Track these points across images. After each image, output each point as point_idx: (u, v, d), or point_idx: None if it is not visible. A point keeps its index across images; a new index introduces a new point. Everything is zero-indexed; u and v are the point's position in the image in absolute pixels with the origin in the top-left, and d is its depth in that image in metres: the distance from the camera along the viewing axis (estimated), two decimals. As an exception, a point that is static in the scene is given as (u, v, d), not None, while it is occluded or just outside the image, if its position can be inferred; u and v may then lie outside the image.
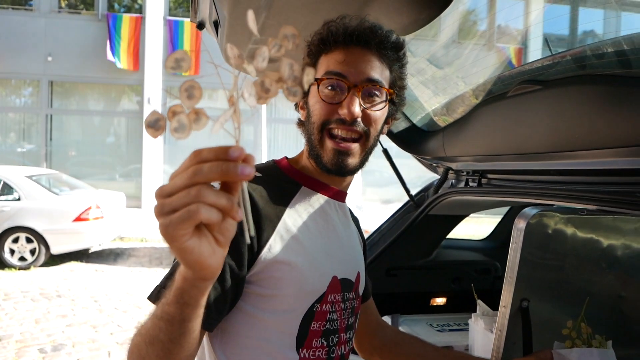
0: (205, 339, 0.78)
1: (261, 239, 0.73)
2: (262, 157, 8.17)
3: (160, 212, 0.41)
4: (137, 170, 10.31)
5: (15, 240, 5.86)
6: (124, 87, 10.50)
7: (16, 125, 10.58)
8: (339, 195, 0.89)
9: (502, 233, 2.09)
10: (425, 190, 1.83)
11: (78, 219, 5.88)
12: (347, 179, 0.88)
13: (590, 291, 0.97)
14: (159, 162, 10.19)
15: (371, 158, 0.86)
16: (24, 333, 3.88)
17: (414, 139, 1.68)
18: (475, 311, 1.40)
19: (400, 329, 1.60)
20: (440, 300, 1.86)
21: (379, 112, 0.80)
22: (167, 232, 0.41)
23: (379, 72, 0.79)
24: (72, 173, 8.10)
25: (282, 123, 10.96)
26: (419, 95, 1.60)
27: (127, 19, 9.59)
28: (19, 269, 5.81)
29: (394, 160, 1.70)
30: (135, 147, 10.31)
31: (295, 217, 0.79)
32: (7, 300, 4.66)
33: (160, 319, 0.54)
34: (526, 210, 0.96)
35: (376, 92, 0.79)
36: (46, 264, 6.00)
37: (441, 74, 1.56)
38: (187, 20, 9.88)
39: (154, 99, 9.98)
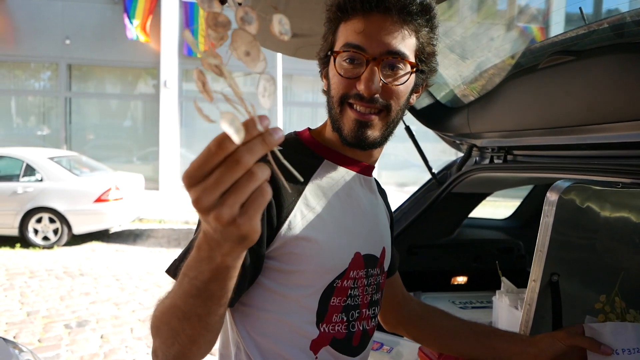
0: (227, 313, 0.78)
1: (281, 215, 0.71)
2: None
3: (232, 215, 0.40)
4: (154, 153, 10.43)
5: (39, 221, 6.01)
6: (140, 70, 10.55)
7: (35, 109, 10.75)
8: (365, 169, 0.85)
9: (525, 212, 2.06)
10: (447, 168, 1.81)
11: (99, 200, 5.99)
12: (373, 153, 0.85)
13: (624, 266, 0.95)
14: (176, 145, 10.28)
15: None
16: (50, 309, 4.00)
17: (438, 116, 1.65)
18: (497, 289, 1.39)
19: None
20: (461, 279, 1.85)
21: (402, 85, 0.75)
22: (249, 227, 0.40)
23: (402, 41, 0.73)
24: (90, 156, 8.22)
25: (297, 106, 10.92)
26: (443, 71, 1.56)
27: (142, 1, 9.58)
28: (43, 248, 5.98)
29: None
30: (152, 131, 10.40)
31: (316, 192, 0.77)
32: (32, 278, 4.80)
33: (198, 297, 0.52)
34: (559, 182, 0.94)
35: (398, 65, 0.73)
36: (68, 243, 6.16)
37: (465, 50, 1.52)
38: (202, 2, 9.81)
39: (170, 82, 10.01)
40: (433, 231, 1.75)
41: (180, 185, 10.15)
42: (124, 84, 10.87)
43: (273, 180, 0.70)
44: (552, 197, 0.93)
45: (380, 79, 0.73)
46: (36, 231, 6.02)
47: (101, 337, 3.49)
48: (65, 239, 6.07)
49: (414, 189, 1.89)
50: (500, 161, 1.51)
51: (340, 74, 0.75)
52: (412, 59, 0.75)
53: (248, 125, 0.38)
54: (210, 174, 0.39)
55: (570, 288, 0.95)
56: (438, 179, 1.77)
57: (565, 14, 1.31)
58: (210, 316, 0.55)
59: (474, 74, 1.56)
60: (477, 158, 1.68)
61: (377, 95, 0.73)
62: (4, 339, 2.02)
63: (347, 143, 0.77)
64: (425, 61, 0.79)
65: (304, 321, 0.75)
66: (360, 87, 0.72)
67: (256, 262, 0.70)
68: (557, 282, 0.95)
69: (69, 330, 3.59)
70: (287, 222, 0.72)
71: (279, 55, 6.97)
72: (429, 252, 1.75)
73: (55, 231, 6.05)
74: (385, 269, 0.91)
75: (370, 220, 0.85)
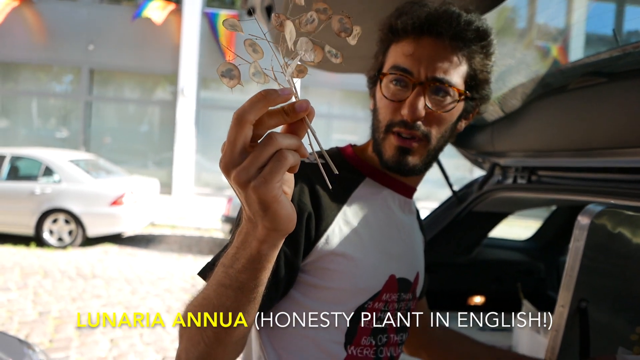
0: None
1: (319, 228, 0.70)
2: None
3: (248, 176, 0.41)
4: (168, 159, 10.54)
5: (55, 221, 6.08)
6: (159, 77, 10.72)
7: (56, 111, 10.98)
8: (406, 191, 0.83)
9: (546, 234, 2.02)
10: (468, 186, 1.79)
11: (114, 203, 6.05)
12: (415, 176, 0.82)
13: (657, 296, 0.92)
14: (192, 151, 10.37)
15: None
16: (62, 310, 4.03)
17: (462, 133, 1.63)
18: (516, 312, 1.36)
19: (439, 325, 1.57)
20: (479, 300, 1.82)
21: (448, 113, 0.73)
22: (265, 190, 0.41)
23: (452, 68, 0.71)
24: (107, 159, 8.35)
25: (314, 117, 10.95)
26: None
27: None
28: (57, 249, 6.04)
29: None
30: (168, 136, 10.52)
31: (356, 209, 0.76)
32: (46, 279, 4.85)
33: (229, 287, 0.52)
34: (590, 206, 0.91)
35: (445, 92, 0.72)
36: (82, 245, 6.22)
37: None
38: (223, 12, 9.99)
39: (188, 90, 10.14)
40: (452, 250, 1.73)
41: (194, 192, 10.23)
42: (143, 90, 11.05)
43: (314, 194, 0.71)
44: (583, 221, 0.90)
45: (426, 105, 0.71)
46: (51, 232, 6.10)
47: (111, 340, 3.50)
48: (79, 240, 6.14)
49: (429, 204, 1.87)
50: (524, 181, 1.49)
51: (385, 97, 0.74)
52: (461, 86, 0.73)
53: (268, 93, 0.41)
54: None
55: (600, 316, 0.92)
56: (459, 197, 1.75)
57: (596, 36, 1.29)
58: (239, 311, 0.54)
59: (501, 92, 1.54)
60: (500, 177, 1.65)
61: (419, 123, 0.72)
62: (18, 339, 2.03)
63: (387, 167, 0.77)
64: (476, 88, 0.76)
65: (332, 340, 0.73)
66: (404, 111, 0.71)
67: (290, 272, 0.69)
68: (586, 308, 0.92)
69: (79, 332, 3.61)
70: (325, 236, 0.71)
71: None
72: (447, 271, 1.72)
73: (70, 232, 6.12)
74: (418, 294, 0.88)
75: (407, 243, 0.83)
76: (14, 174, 6.18)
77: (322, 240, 0.71)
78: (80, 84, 10.60)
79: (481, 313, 1.69)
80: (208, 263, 0.70)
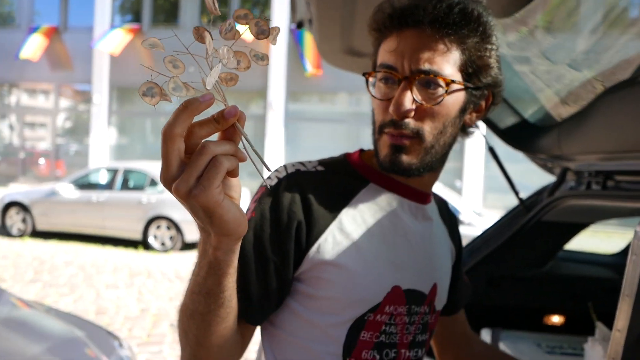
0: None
1: (310, 237, 0.68)
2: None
3: (187, 187, 0.43)
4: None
5: (158, 227, 6.75)
6: (252, 93, 11.39)
7: (165, 128, 12.22)
8: (417, 196, 0.77)
9: (640, 248, 1.76)
10: (538, 193, 1.63)
11: (207, 211, 6.55)
12: (424, 179, 0.76)
13: None
14: (280, 161, 10.83)
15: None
16: (160, 308, 4.43)
17: (524, 135, 1.50)
18: (594, 334, 1.20)
19: (501, 345, 1.44)
20: (556, 319, 1.64)
21: (440, 106, 0.68)
22: (205, 197, 0.43)
23: (438, 57, 0.66)
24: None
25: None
26: (530, 85, 1.42)
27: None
28: (160, 252, 6.68)
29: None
30: (259, 149, 11.06)
31: (354, 217, 0.72)
32: (149, 279, 5.38)
33: (198, 294, 0.55)
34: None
35: (434, 83, 0.66)
36: (181, 249, 6.80)
37: (556, 61, 1.37)
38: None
39: (277, 103, 10.62)
40: (519, 262, 1.58)
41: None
42: (239, 106, 11.80)
43: (306, 203, 0.69)
44: (641, 232, 0.78)
45: (415, 100, 0.67)
46: (155, 237, 6.76)
47: (198, 339, 3.76)
48: (179, 245, 6.72)
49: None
50: (599, 187, 1.32)
51: (375, 97, 0.71)
52: (455, 76, 0.68)
53: (189, 102, 0.43)
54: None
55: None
56: (526, 205, 1.60)
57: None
58: (211, 316, 0.56)
59: (568, 87, 1.39)
60: (573, 183, 1.48)
61: (407, 120, 0.68)
62: (108, 332, 2.27)
63: (383, 168, 0.72)
64: (477, 75, 0.70)
65: (329, 352, 0.71)
66: (391, 109, 0.67)
67: (282, 282, 0.69)
68: (651, 335, 0.79)
69: (174, 329, 3.93)
70: (316, 245, 0.69)
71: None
72: (514, 285, 1.58)
73: (171, 238, 6.73)
74: (438, 307, 0.82)
75: (418, 252, 0.77)
76: (126, 185, 7.00)
77: (314, 249, 0.69)
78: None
79: (551, 334, 1.52)
80: None
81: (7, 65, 11.91)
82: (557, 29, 1.32)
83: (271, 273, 0.67)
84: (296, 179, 0.71)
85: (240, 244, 0.52)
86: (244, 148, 0.46)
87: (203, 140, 0.44)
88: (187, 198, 0.44)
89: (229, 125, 0.44)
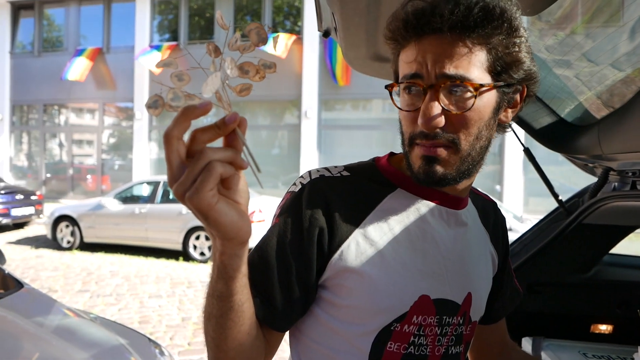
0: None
1: (333, 243, 0.67)
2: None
3: (183, 189, 0.46)
4: (295, 178, 11.20)
5: (197, 238, 6.91)
6: (286, 102, 11.55)
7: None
8: (450, 202, 0.74)
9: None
10: (579, 195, 1.56)
11: (244, 221, 6.66)
12: (459, 184, 0.71)
13: None
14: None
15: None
16: (200, 317, 4.52)
17: (562, 136, 1.44)
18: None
19: (543, 355, 1.38)
20: (603, 327, 1.56)
21: (472, 112, 0.64)
22: (197, 200, 0.45)
23: (464, 59, 0.62)
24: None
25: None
26: (567, 82, 1.37)
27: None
28: (200, 262, 6.84)
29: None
30: (294, 157, 11.22)
31: (379, 223, 0.70)
32: (190, 288, 5.51)
33: (212, 296, 0.58)
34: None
35: (461, 88, 0.62)
36: (220, 259, 6.93)
37: (596, 58, 1.32)
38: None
39: (311, 112, 10.71)
40: (561, 267, 1.52)
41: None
42: (273, 116, 12.00)
43: (329, 209, 0.68)
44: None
45: (443, 107, 0.63)
46: (195, 247, 6.93)
47: (237, 347, 3.81)
48: (217, 255, 6.86)
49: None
50: (644, 187, 1.25)
51: (401, 108, 0.68)
52: (484, 77, 0.64)
53: (187, 108, 0.45)
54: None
55: None
56: (566, 208, 1.54)
57: None
58: (224, 319, 0.58)
59: (608, 84, 1.33)
60: (617, 183, 1.41)
61: (439, 130, 0.64)
62: (150, 340, 2.35)
63: (418, 180, 0.69)
64: (507, 71, 0.65)
65: None
66: (419, 120, 0.63)
67: (305, 289, 0.68)
68: None
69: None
70: (338, 252, 0.68)
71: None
72: (556, 292, 1.51)
73: (210, 248, 6.87)
74: (474, 318, 0.78)
75: (450, 260, 0.73)
76: (166, 197, 7.22)
77: (336, 255, 0.68)
78: (219, 116, 11.96)
79: (598, 343, 1.45)
80: None
81: (56, 87, 12.64)
82: (597, 31, 1.27)
83: (294, 279, 0.67)
84: (320, 185, 0.71)
85: (246, 249, 0.54)
86: (244, 154, 0.48)
87: (204, 146, 0.47)
88: (183, 200, 0.46)
89: (230, 131, 0.46)
